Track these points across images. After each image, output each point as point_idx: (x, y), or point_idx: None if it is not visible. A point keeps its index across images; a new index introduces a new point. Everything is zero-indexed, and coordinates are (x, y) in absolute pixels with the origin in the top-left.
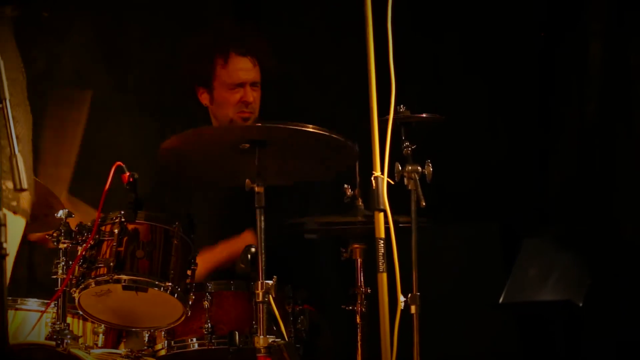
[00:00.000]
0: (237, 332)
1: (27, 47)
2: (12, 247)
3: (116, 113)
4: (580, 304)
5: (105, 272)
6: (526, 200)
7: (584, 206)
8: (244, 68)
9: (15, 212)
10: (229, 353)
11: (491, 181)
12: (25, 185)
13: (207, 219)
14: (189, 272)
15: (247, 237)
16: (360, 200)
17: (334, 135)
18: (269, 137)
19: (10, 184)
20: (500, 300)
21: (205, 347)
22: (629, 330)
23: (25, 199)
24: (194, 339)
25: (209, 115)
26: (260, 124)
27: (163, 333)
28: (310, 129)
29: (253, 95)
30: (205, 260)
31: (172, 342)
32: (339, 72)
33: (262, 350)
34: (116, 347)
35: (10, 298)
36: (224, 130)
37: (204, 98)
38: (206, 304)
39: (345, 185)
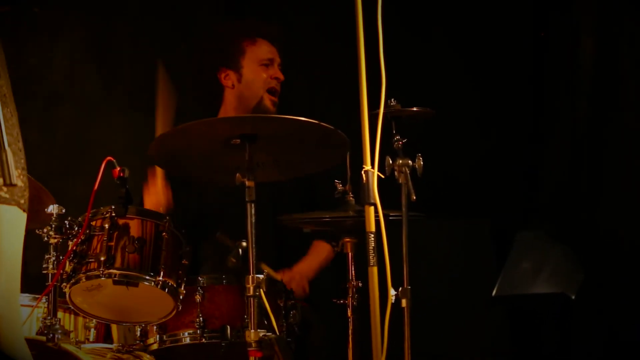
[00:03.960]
0: (229, 326)
1: (18, 46)
2: (20, 244)
3: (107, 110)
4: (573, 297)
5: (96, 266)
6: (517, 196)
7: (574, 203)
8: (271, 49)
9: (24, 210)
10: (221, 347)
11: (483, 176)
12: (14, 180)
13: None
14: (179, 271)
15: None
16: (351, 195)
17: (322, 125)
18: (259, 131)
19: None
20: (493, 293)
21: (198, 341)
22: (617, 327)
23: (27, 196)
24: (186, 333)
25: (222, 100)
26: (249, 116)
27: (155, 327)
28: (299, 119)
29: (281, 74)
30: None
31: (165, 336)
32: (329, 67)
33: (253, 344)
34: (108, 341)
35: None
36: (213, 124)
37: (229, 79)
38: (198, 298)
39: (336, 181)
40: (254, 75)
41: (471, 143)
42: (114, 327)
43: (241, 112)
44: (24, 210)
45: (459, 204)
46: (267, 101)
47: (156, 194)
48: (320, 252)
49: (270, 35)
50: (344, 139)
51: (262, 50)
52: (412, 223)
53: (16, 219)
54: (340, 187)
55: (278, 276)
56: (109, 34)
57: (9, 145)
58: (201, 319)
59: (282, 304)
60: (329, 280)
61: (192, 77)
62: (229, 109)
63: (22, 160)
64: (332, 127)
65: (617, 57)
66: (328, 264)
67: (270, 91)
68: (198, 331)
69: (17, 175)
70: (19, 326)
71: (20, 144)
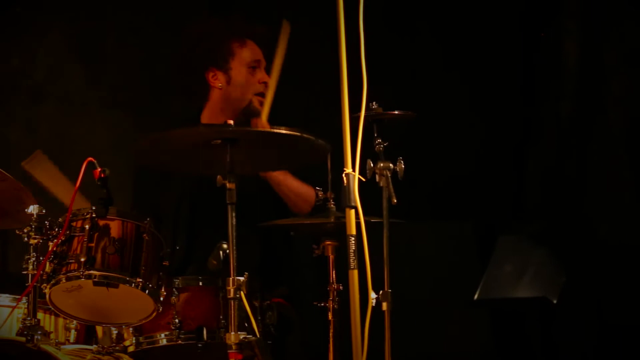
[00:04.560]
0: (205, 327)
1: (3, 43)
2: None
3: (91, 109)
4: (555, 301)
5: (76, 267)
6: (500, 198)
7: (559, 204)
8: (259, 51)
9: None
10: (198, 348)
11: (465, 179)
12: None
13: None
14: (160, 272)
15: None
16: (332, 202)
17: (305, 136)
18: (240, 136)
19: None
20: (476, 296)
21: (174, 342)
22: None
23: None
24: (162, 335)
25: (208, 98)
26: (231, 126)
27: (131, 329)
28: (281, 130)
29: (267, 79)
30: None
31: (141, 337)
32: (311, 68)
33: (233, 346)
34: (89, 343)
35: None
36: (196, 132)
37: (217, 80)
38: (174, 299)
39: (317, 188)
40: (242, 78)
41: (453, 146)
42: (99, 329)
43: (228, 113)
44: None
45: (441, 206)
46: (256, 102)
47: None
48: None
49: (258, 36)
50: (325, 146)
51: (251, 52)
52: (394, 226)
53: None
54: (321, 194)
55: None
56: (92, 32)
57: None
58: (177, 320)
59: (257, 305)
60: (310, 282)
61: (177, 73)
62: (215, 108)
63: None
64: (312, 138)
65: (601, 60)
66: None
67: (259, 98)
68: (174, 333)
69: None
70: None
71: None
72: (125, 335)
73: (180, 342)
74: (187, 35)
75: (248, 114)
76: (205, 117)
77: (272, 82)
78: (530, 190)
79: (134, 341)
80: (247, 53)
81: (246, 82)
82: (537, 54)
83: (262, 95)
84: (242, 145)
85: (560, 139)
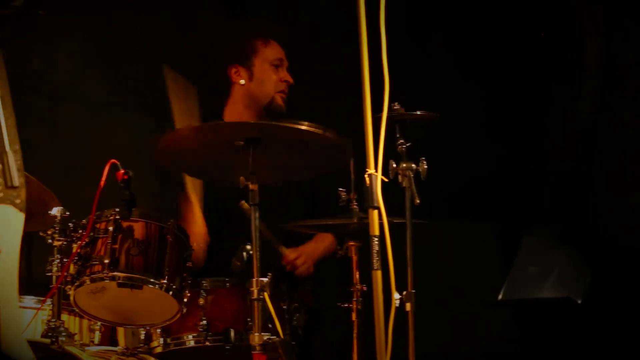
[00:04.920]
0: (232, 329)
1: (24, 46)
2: (16, 245)
3: (113, 111)
4: (579, 302)
5: (100, 269)
6: (523, 199)
7: (579, 205)
8: (281, 50)
9: (20, 210)
10: (225, 350)
11: (487, 180)
12: (16, 182)
13: None
14: (184, 273)
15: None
16: (355, 203)
17: (327, 134)
18: (263, 135)
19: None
20: (499, 297)
21: (202, 344)
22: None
23: (23, 196)
24: (190, 336)
25: (230, 94)
26: (254, 122)
27: (159, 330)
28: (304, 126)
29: (290, 78)
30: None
31: (168, 339)
32: (333, 69)
33: (257, 347)
34: (112, 343)
35: None
36: (219, 127)
37: (240, 76)
38: (202, 301)
39: (340, 189)
40: (265, 75)
41: (475, 146)
42: (120, 330)
43: (252, 110)
44: (20, 210)
45: (463, 207)
46: (279, 99)
47: (196, 224)
48: (324, 239)
49: (279, 37)
50: (348, 144)
51: (274, 50)
52: (416, 226)
53: (11, 219)
54: (344, 195)
55: (287, 252)
56: (114, 34)
57: (9, 146)
58: (205, 322)
59: (285, 307)
60: (333, 284)
61: (199, 71)
62: (238, 105)
63: (19, 162)
64: (336, 135)
65: (620, 60)
66: (330, 253)
67: (281, 95)
68: (202, 334)
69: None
70: (19, 326)
71: (17, 145)
72: (154, 337)
73: (207, 343)
74: (210, 32)
75: (271, 111)
76: (228, 115)
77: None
78: (549, 191)
79: (161, 342)
80: (270, 51)
81: (269, 79)
82: (555, 55)
83: (284, 92)
84: (265, 147)
85: (579, 139)
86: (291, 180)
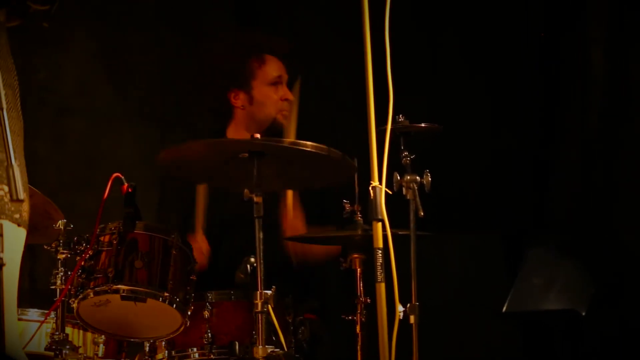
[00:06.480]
0: (237, 342)
1: (29, 57)
2: (16, 259)
3: (118, 122)
4: (584, 313)
5: (103, 282)
6: (528, 210)
7: (585, 215)
8: (280, 67)
9: (19, 225)
10: None
11: (492, 191)
12: (22, 196)
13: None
14: (187, 287)
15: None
16: (359, 215)
17: (332, 152)
18: (267, 150)
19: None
20: (504, 309)
21: (206, 357)
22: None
23: (25, 210)
24: (195, 349)
25: (232, 116)
26: (258, 139)
27: (163, 343)
28: (308, 148)
29: (290, 94)
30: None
31: (173, 352)
32: (338, 81)
33: None
34: (117, 358)
35: None
36: (221, 144)
37: (240, 100)
38: (206, 313)
39: (344, 201)
40: (265, 97)
41: (480, 158)
42: None
43: (253, 131)
44: (19, 225)
45: (468, 219)
46: (281, 118)
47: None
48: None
49: (278, 49)
50: (352, 164)
51: (272, 68)
52: (421, 239)
53: (10, 234)
54: (348, 206)
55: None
56: (119, 46)
57: (15, 160)
58: (210, 334)
59: (290, 320)
60: (337, 296)
61: (201, 94)
62: (240, 126)
63: (25, 175)
64: (340, 153)
65: (628, 68)
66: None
67: (283, 113)
68: (206, 347)
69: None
70: (18, 340)
71: (23, 159)
72: (158, 350)
73: (212, 356)
74: (207, 56)
75: (273, 131)
76: (231, 134)
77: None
78: (556, 202)
79: (166, 354)
80: (267, 71)
81: (269, 101)
82: (561, 64)
83: (285, 114)
84: (269, 160)
85: (586, 149)
86: (293, 189)
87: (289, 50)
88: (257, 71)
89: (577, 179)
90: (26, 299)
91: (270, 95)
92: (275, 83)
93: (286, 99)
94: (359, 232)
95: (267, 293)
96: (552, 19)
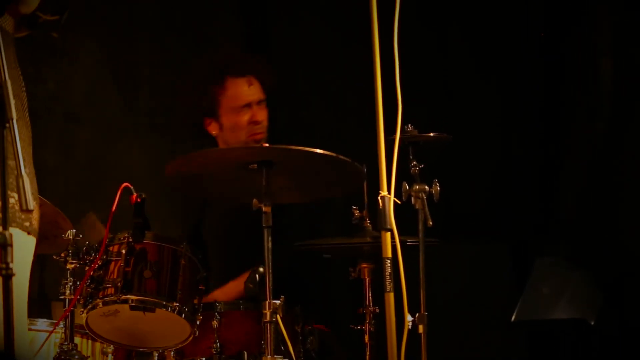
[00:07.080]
0: (246, 352)
1: (38, 68)
2: (26, 268)
3: (127, 133)
4: (593, 323)
5: (112, 292)
6: (536, 220)
7: (593, 224)
8: (244, 89)
9: (28, 233)
10: None
11: (501, 200)
12: (31, 206)
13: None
14: (196, 297)
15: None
16: (368, 221)
17: (341, 158)
18: (276, 158)
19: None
20: (513, 318)
21: None
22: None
23: (35, 219)
24: (203, 359)
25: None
26: (267, 146)
27: (172, 353)
28: (317, 152)
29: (261, 114)
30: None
31: None
32: (347, 91)
33: None
34: None
35: None
36: (230, 152)
37: (213, 128)
38: (215, 323)
39: (353, 207)
40: (232, 123)
41: (489, 167)
42: None
43: None
44: (28, 233)
45: (477, 228)
46: (252, 144)
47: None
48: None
49: (243, 68)
50: (361, 170)
51: (235, 95)
52: (430, 248)
53: (20, 243)
54: (357, 213)
55: None
56: (128, 56)
57: (25, 168)
58: (218, 344)
59: (299, 330)
60: (346, 306)
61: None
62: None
63: (34, 185)
64: (349, 161)
65: (635, 77)
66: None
67: (253, 137)
68: (215, 357)
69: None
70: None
71: (32, 167)
72: (167, 359)
73: None
74: (180, 88)
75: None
76: None
77: None
78: (563, 211)
79: None
80: (229, 96)
81: (237, 126)
82: (569, 74)
83: (257, 137)
84: (277, 169)
85: (594, 158)
86: (304, 200)
87: (268, 68)
88: (220, 98)
89: (585, 189)
90: (37, 309)
91: (237, 120)
92: (242, 107)
93: (254, 121)
94: (368, 239)
95: (275, 303)
96: (556, 27)
